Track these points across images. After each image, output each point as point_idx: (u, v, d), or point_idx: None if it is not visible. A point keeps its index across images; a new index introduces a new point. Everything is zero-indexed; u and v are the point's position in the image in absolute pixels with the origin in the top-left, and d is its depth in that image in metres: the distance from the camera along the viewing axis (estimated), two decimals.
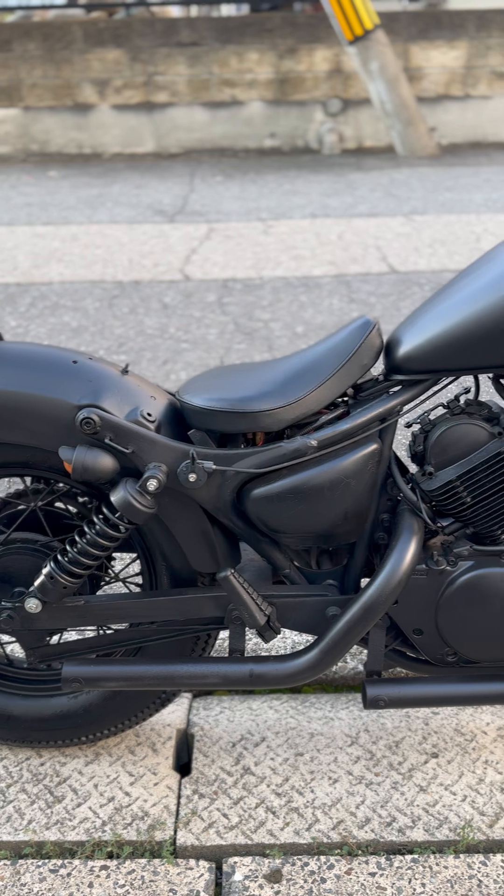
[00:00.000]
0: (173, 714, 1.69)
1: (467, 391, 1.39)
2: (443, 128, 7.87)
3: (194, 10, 9.45)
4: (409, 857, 1.39)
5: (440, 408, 1.38)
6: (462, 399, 1.38)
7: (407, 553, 1.30)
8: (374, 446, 1.32)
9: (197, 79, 7.79)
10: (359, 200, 5.81)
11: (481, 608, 1.35)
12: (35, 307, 3.94)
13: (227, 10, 9.84)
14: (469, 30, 7.60)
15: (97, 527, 1.32)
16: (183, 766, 1.62)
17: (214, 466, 1.28)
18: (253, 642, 1.83)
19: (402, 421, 1.36)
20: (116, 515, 1.31)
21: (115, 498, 1.28)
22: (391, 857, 1.39)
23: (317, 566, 1.47)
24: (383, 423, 1.33)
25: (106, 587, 1.84)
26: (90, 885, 1.35)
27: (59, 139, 8.08)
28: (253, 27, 7.63)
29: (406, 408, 1.36)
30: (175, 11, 9.16)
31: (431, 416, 1.38)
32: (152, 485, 1.26)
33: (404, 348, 1.31)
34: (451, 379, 1.37)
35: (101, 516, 1.33)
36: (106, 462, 1.27)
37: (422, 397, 1.36)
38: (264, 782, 1.53)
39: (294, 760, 1.58)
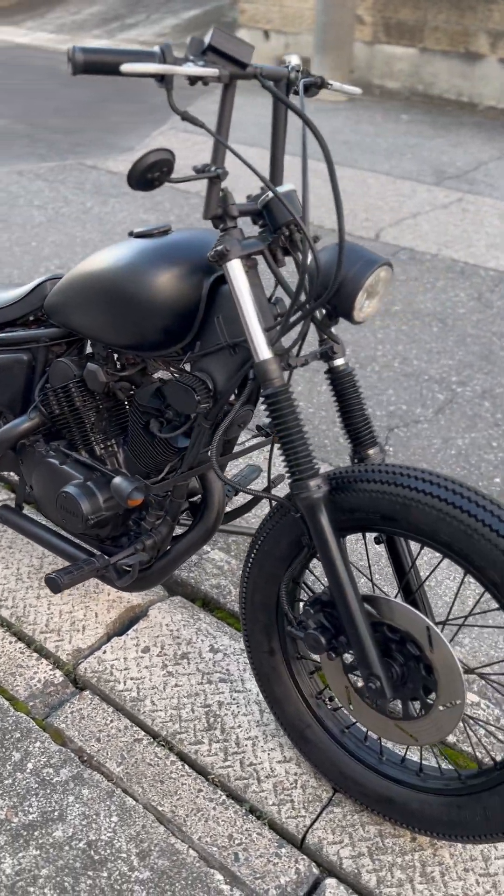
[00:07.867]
0: None
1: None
2: None
3: None
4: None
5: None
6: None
7: (10, 426, 1.99)
8: (23, 357, 2.00)
9: None
10: None
11: (43, 483, 1.99)
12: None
13: None
14: None
15: None
16: None
17: None
18: None
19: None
20: None
21: None
22: None
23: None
24: (38, 345, 2.00)
25: None
26: None
27: (443, 84, 8.36)
28: None
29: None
30: None
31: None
32: None
33: (45, 300, 1.93)
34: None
35: None
36: None
37: (62, 335, 1.98)
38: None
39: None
